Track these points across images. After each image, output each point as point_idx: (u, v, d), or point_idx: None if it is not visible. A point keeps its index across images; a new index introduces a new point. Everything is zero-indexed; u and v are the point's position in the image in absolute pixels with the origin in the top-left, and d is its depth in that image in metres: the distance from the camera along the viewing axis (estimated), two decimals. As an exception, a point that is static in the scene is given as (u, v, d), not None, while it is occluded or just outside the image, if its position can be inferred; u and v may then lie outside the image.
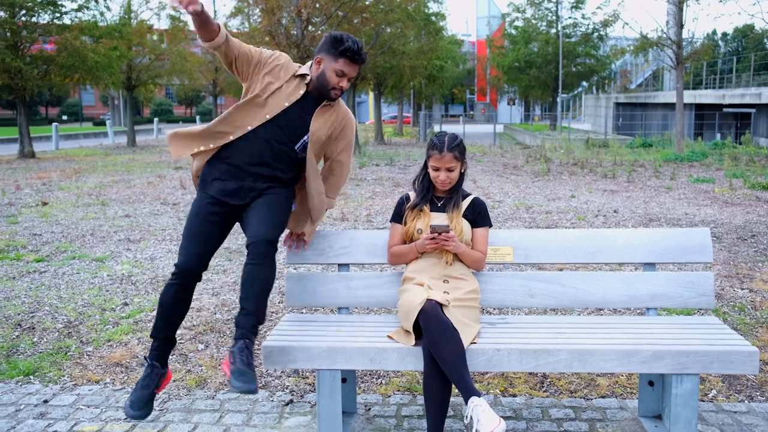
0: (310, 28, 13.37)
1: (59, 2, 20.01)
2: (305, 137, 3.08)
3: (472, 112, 71.46)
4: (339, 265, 3.51)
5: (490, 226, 3.29)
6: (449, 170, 3.19)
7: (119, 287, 5.78)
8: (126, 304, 5.31)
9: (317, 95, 3.11)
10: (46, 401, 3.65)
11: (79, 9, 20.48)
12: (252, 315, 2.84)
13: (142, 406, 2.98)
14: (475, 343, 2.92)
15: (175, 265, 2.98)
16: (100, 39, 20.96)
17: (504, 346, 2.94)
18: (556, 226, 8.19)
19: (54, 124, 27.28)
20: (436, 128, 35.70)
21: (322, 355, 2.98)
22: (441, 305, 2.93)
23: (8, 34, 19.08)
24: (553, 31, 35.08)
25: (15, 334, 4.67)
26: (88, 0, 20.46)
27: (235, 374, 2.69)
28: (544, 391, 3.76)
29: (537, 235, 3.44)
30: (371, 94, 41.12)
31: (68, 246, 7.45)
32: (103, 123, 66.72)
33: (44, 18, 20.09)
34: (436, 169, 3.20)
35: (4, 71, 18.93)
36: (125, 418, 3.43)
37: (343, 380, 3.45)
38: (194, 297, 3.42)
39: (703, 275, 3.34)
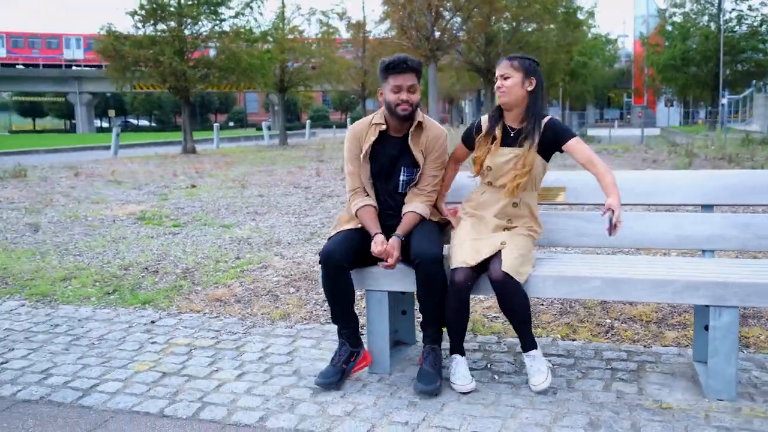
0: (440, 21, 13.74)
1: (219, 11, 21.80)
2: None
3: (629, 116, 68.58)
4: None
5: (575, 135, 3.14)
6: (504, 78, 3.07)
7: (236, 246, 6.38)
8: (238, 258, 5.87)
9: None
10: (153, 322, 4.22)
11: (236, 16, 22.19)
12: (432, 323, 3.17)
13: (328, 375, 3.14)
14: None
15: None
16: (254, 43, 22.57)
17: (540, 273, 3.06)
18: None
19: (216, 124, 29.55)
20: (589, 132, 34.73)
21: (369, 277, 3.25)
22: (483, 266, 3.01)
23: (175, 41, 21.08)
24: (714, 25, 32.96)
25: (141, 275, 5.34)
26: (244, 8, 22.11)
27: (419, 376, 3.06)
28: (606, 339, 3.79)
29: (589, 176, 3.51)
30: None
31: (203, 216, 8.25)
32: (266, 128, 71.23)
33: (206, 26, 21.97)
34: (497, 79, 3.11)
35: (170, 74, 20.96)
36: (213, 337, 3.90)
37: (403, 312, 3.71)
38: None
39: (763, 217, 3.25)
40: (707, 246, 3.31)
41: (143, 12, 20.89)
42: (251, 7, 22.28)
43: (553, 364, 3.35)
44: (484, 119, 3.23)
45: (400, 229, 3.20)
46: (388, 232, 3.20)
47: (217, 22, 22.03)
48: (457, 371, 3.09)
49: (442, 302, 3.09)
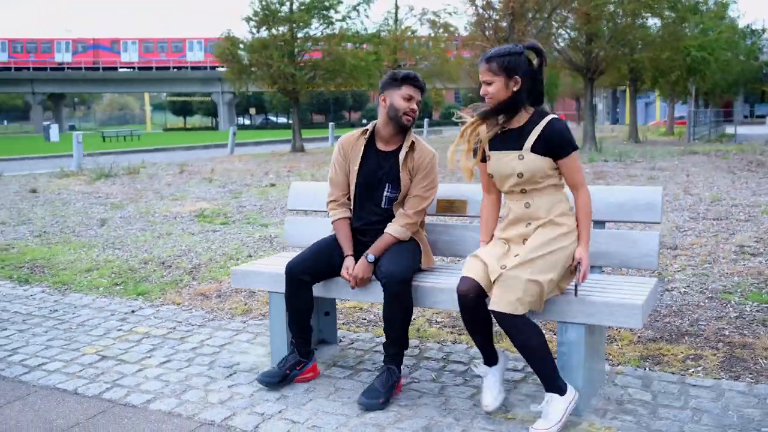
0: (521, 21, 13.56)
1: (328, 14, 22.66)
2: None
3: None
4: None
5: (576, 149, 2.90)
6: (487, 84, 2.87)
7: (258, 244, 6.85)
8: (250, 256, 6.32)
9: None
10: (133, 311, 4.73)
11: (343, 19, 22.95)
12: (393, 343, 3.20)
13: (271, 375, 3.33)
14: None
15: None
16: (361, 45, 23.26)
17: (425, 284, 3.23)
18: (716, 218, 7.50)
19: (331, 124, 30.62)
20: (731, 130, 32.55)
21: (270, 280, 3.55)
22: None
23: (284, 45, 22.16)
24: None
25: (154, 269, 5.92)
26: (351, 11, 22.83)
27: (366, 389, 3.13)
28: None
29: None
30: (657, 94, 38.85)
31: (254, 215, 8.83)
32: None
33: (317, 29, 22.90)
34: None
35: (279, 77, 22.08)
36: (170, 327, 4.35)
37: (326, 314, 3.97)
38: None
39: (646, 234, 3.22)
40: (593, 262, 3.31)
41: (257, 18, 22.13)
42: (358, 11, 22.97)
43: (441, 369, 3.49)
44: (483, 128, 2.99)
45: (372, 250, 3.25)
46: (365, 245, 3.31)
47: (325, 25, 22.89)
48: (483, 387, 3.04)
49: (405, 325, 3.16)
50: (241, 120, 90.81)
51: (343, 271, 3.27)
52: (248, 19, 22.24)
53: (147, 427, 2.98)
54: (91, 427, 2.99)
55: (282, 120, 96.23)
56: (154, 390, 3.36)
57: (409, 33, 27.61)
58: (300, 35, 22.90)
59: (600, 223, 3.31)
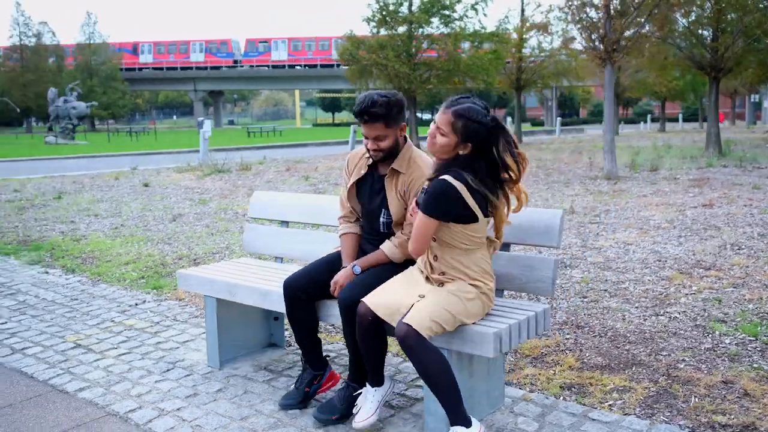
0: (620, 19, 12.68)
1: (447, 14, 22.69)
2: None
3: None
4: (280, 221, 4.21)
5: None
6: (440, 131, 2.79)
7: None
8: (276, 256, 6.61)
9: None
10: (136, 304, 5.16)
11: (461, 18, 22.87)
12: (351, 360, 3.17)
13: (290, 397, 3.31)
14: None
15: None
16: (481, 44, 23.08)
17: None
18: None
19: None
20: None
21: (205, 284, 3.79)
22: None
23: (400, 45, 22.47)
24: None
25: (184, 264, 6.36)
26: (468, 10, 22.70)
27: (322, 404, 3.15)
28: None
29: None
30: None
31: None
32: (541, 123, 71.18)
33: (434, 29, 23.00)
34: None
35: (395, 76, 22.43)
36: (156, 322, 4.71)
37: (275, 318, 4.16)
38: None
39: (541, 259, 3.12)
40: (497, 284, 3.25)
41: (375, 19, 22.61)
42: (476, 9, 22.79)
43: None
44: (460, 186, 2.75)
45: (361, 262, 3.17)
46: None
47: (444, 24, 22.94)
48: (359, 403, 3.05)
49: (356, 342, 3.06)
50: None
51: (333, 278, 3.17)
52: (368, 20, 22.77)
53: (63, 413, 3.31)
54: (19, 407, 3.36)
55: (427, 117, 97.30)
56: (93, 379, 3.70)
57: (534, 31, 26.92)
58: (419, 34, 23.08)
59: (504, 246, 3.25)
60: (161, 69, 76.13)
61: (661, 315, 4.55)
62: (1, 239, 7.93)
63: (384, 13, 22.43)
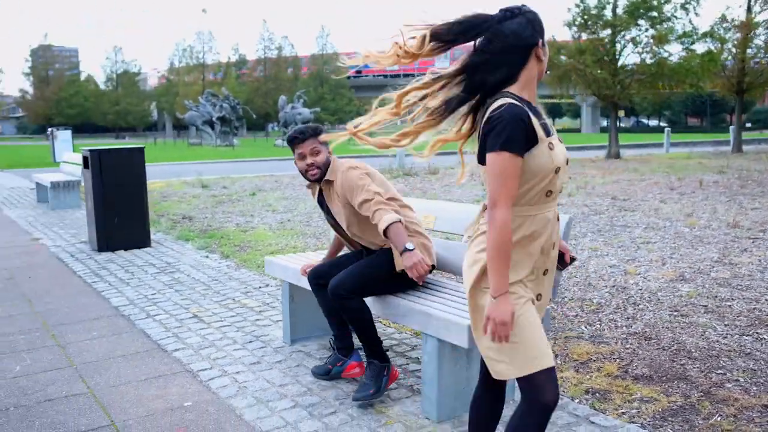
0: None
1: (653, 15, 21.47)
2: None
3: None
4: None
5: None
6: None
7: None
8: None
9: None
10: (259, 287, 5.89)
11: (668, 19, 21.48)
12: (362, 342, 3.42)
13: (320, 371, 3.74)
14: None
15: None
16: (691, 45, 21.54)
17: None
18: None
19: (667, 129, 28.71)
20: None
21: (282, 270, 4.34)
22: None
23: (599, 50, 21.69)
24: None
25: (318, 256, 7.02)
26: (677, 10, 21.26)
27: (358, 386, 3.43)
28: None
29: (454, 207, 3.86)
30: None
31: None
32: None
33: (640, 32, 21.89)
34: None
35: (594, 81, 21.70)
36: (268, 303, 5.38)
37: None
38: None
39: (543, 262, 3.21)
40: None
41: (576, 23, 22.07)
42: (686, 9, 21.29)
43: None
44: (519, 104, 2.11)
45: (401, 243, 3.20)
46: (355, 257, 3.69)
47: (649, 27, 21.73)
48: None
49: (361, 330, 3.36)
50: (606, 122, 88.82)
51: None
52: (569, 24, 22.32)
53: (153, 366, 4.04)
54: (127, 358, 4.16)
55: (653, 123, 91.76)
56: (190, 343, 4.42)
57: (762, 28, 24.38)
58: (624, 38, 22.14)
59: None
60: (385, 77, 79.98)
61: (748, 335, 4.28)
62: (189, 226, 9.26)
63: (585, 17, 21.84)
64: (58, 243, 8.23)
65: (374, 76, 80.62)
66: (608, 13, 22.14)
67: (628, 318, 4.72)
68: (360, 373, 3.59)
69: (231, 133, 47.43)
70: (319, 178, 3.56)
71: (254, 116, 56.91)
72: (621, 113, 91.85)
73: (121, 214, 7.51)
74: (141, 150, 7.71)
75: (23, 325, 4.87)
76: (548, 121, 2.17)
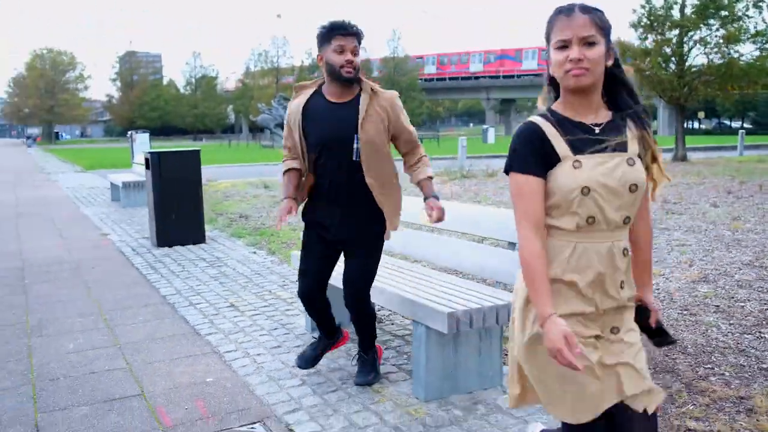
0: None
1: (722, 15, 20.91)
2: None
3: None
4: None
5: None
6: (587, 43, 1.90)
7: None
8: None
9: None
10: (293, 281, 6.31)
11: (739, 18, 20.85)
12: (366, 338, 3.65)
13: (307, 361, 3.76)
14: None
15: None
16: (765, 45, 20.83)
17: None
18: None
19: (741, 131, 27.79)
20: None
21: (302, 263, 4.72)
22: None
23: (664, 51, 21.25)
24: None
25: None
26: (749, 8, 20.61)
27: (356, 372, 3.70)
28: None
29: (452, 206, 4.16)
30: None
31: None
32: None
33: (708, 33, 21.34)
34: (562, 47, 1.93)
35: (659, 83, 21.30)
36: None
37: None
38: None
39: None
40: (498, 277, 3.68)
41: (642, 24, 21.72)
42: (759, 7, 20.61)
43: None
44: (543, 123, 1.99)
45: (429, 191, 3.34)
46: (338, 206, 3.35)
47: (717, 27, 21.16)
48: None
49: (370, 326, 3.61)
50: (689, 124, 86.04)
51: (281, 213, 3.31)
52: (635, 26, 21.98)
53: (186, 347, 4.49)
54: (165, 339, 4.63)
55: (736, 125, 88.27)
56: (222, 328, 4.86)
57: None
58: (692, 38, 21.65)
59: (512, 244, 3.67)
60: (456, 79, 79.99)
61: (750, 334, 4.40)
62: (243, 224, 9.81)
63: (651, 18, 21.46)
64: (123, 238, 8.91)
65: (447, 78, 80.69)
66: (676, 13, 21.70)
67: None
68: (344, 343, 3.87)
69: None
70: (352, 78, 3.20)
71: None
72: (701, 114, 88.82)
73: (177, 212, 8.09)
74: (197, 152, 8.28)
75: (81, 310, 5.44)
76: (607, 138, 1.96)
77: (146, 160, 8.27)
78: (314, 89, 3.37)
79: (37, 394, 3.73)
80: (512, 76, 77.27)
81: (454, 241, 4.06)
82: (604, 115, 2.01)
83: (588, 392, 2.01)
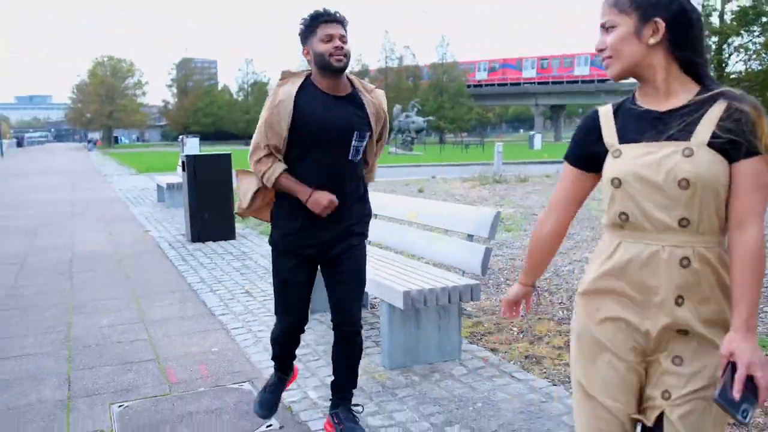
0: None
1: (762, 20, 20.81)
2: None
3: None
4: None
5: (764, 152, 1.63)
6: (607, 29, 1.75)
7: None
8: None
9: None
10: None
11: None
12: (346, 385, 3.19)
13: (269, 407, 3.29)
14: None
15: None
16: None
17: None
18: None
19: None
20: None
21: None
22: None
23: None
24: None
25: (370, 250, 8.02)
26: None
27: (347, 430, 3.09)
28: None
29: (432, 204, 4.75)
30: None
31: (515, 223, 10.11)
32: None
33: (749, 39, 21.24)
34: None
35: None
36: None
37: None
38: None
39: (473, 246, 4.06)
40: (450, 263, 4.25)
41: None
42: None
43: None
44: (605, 110, 1.84)
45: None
46: (332, 213, 2.90)
47: (758, 34, 21.06)
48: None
49: (357, 357, 3.15)
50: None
51: (321, 208, 2.84)
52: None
53: (197, 327, 5.19)
54: (183, 320, 5.34)
55: None
56: (233, 310, 5.54)
57: None
58: (732, 45, 21.61)
59: (470, 236, 4.24)
60: (504, 85, 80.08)
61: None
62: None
63: (688, 24, 21.39)
64: (162, 234, 9.74)
65: (496, 84, 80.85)
66: (715, 20, 21.68)
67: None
68: (295, 377, 3.52)
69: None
70: (343, 67, 2.84)
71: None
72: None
73: (210, 210, 8.86)
74: (228, 156, 9.04)
75: (117, 293, 6.21)
76: (671, 124, 1.68)
77: (182, 163, 9.07)
78: (302, 79, 2.92)
79: (72, 357, 4.47)
80: (561, 82, 76.98)
81: (418, 232, 4.66)
82: (683, 99, 1.70)
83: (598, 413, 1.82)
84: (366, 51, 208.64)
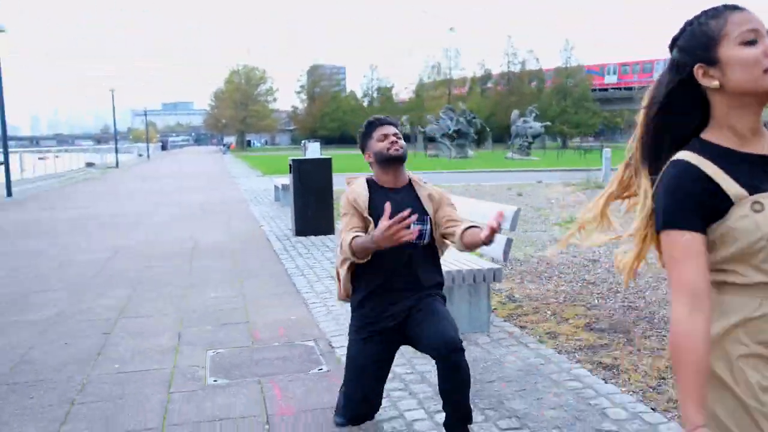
0: None
1: None
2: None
3: None
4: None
5: None
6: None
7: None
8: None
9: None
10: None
11: None
12: (461, 420, 3.05)
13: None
14: None
15: None
16: None
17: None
18: None
19: None
20: None
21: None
22: None
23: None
24: None
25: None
26: None
27: None
28: (509, 316, 5.59)
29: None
30: None
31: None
32: None
33: None
34: (750, 42, 1.53)
35: None
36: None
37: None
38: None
39: (497, 237, 4.84)
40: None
41: None
42: None
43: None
44: (697, 159, 1.58)
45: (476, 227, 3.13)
46: (402, 311, 3.15)
47: None
48: None
49: (467, 384, 2.99)
50: None
51: (386, 236, 2.76)
52: None
53: (282, 306, 6.27)
54: (283, 299, 6.45)
55: None
56: (314, 289, 6.59)
57: None
58: None
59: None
60: (631, 89, 77.78)
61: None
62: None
63: None
64: (272, 229, 11.05)
65: (621, 89, 78.73)
66: None
67: (633, 294, 5.96)
68: None
69: (467, 146, 50.12)
70: (402, 155, 3.17)
71: (488, 130, 59.08)
72: None
73: (312, 208, 10.03)
74: (328, 160, 10.20)
75: (225, 275, 7.45)
76: None
77: (289, 165, 10.31)
78: (364, 180, 3.29)
79: (183, 320, 5.67)
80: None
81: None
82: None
83: None
84: (489, 56, 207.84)
